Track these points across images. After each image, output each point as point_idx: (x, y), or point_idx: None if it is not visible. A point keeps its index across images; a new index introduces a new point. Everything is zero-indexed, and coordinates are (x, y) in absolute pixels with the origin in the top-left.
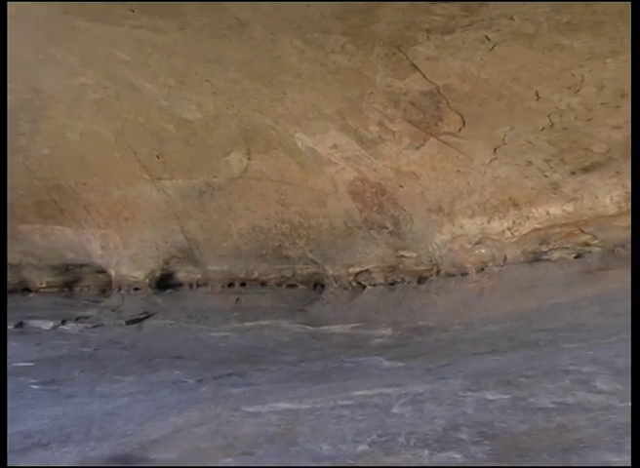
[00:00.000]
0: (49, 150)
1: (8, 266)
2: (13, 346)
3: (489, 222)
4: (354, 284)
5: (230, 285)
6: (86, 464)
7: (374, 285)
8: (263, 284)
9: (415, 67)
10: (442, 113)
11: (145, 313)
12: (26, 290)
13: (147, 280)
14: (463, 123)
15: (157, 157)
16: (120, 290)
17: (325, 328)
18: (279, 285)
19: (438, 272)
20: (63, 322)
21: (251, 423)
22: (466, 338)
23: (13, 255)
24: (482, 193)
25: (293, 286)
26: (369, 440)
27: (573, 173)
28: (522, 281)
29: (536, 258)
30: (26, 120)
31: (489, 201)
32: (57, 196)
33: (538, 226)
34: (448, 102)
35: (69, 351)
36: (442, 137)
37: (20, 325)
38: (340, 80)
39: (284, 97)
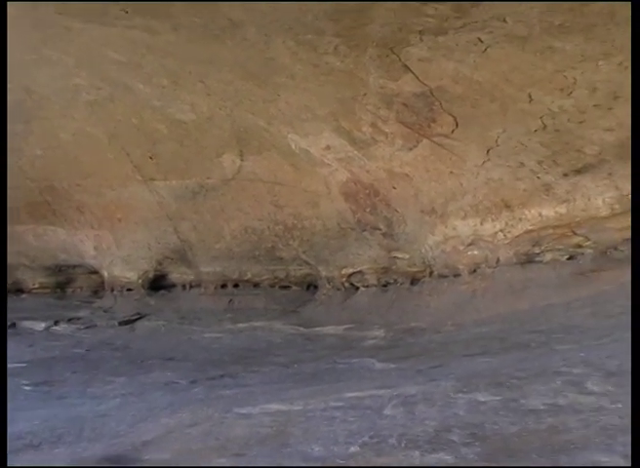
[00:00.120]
0: (42, 151)
1: None
2: None
3: (481, 224)
4: (347, 285)
5: (223, 286)
6: (78, 465)
7: (367, 286)
8: (256, 285)
9: (407, 69)
10: (435, 115)
11: (138, 314)
12: (19, 290)
13: (140, 281)
14: (456, 124)
15: (150, 158)
16: (113, 290)
17: (318, 329)
18: (272, 286)
19: (431, 273)
20: (56, 323)
21: (243, 424)
22: (458, 340)
23: None
24: (475, 195)
25: (286, 287)
26: (360, 441)
27: (565, 174)
28: (514, 282)
29: (528, 260)
30: (19, 121)
31: (482, 202)
32: (50, 197)
33: (530, 228)
34: (441, 104)
35: (62, 352)
36: (435, 139)
37: (12, 326)
38: (333, 81)
39: (277, 98)
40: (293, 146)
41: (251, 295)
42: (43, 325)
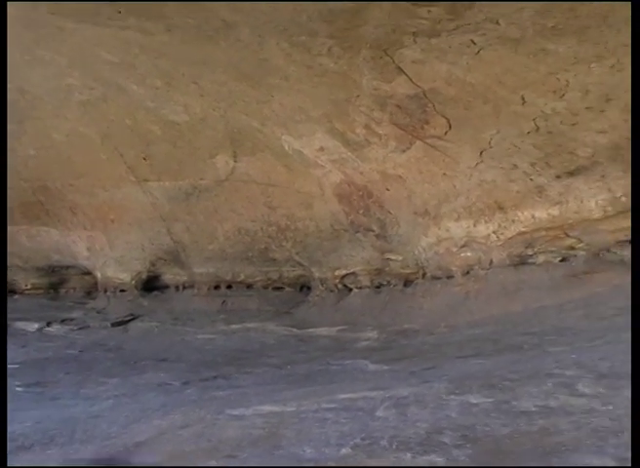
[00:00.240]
0: (35, 151)
1: None
2: None
3: (475, 226)
4: (340, 286)
5: (216, 287)
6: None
7: (360, 287)
8: (250, 286)
9: (401, 70)
10: (428, 116)
11: (131, 315)
12: (12, 291)
13: (133, 282)
14: (450, 126)
15: (144, 159)
16: (106, 291)
17: (311, 330)
18: (265, 287)
19: (424, 275)
20: (49, 324)
21: (235, 426)
22: (451, 341)
23: None
24: (468, 196)
25: (279, 288)
26: (352, 443)
27: (558, 176)
28: (507, 284)
29: (521, 262)
30: (13, 121)
31: (475, 204)
32: (42, 197)
33: (523, 230)
34: (434, 106)
35: (54, 353)
36: (428, 141)
37: None
38: (326, 83)
39: (271, 99)
40: (286, 147)
41: (244, 297)
42: (36, 326)
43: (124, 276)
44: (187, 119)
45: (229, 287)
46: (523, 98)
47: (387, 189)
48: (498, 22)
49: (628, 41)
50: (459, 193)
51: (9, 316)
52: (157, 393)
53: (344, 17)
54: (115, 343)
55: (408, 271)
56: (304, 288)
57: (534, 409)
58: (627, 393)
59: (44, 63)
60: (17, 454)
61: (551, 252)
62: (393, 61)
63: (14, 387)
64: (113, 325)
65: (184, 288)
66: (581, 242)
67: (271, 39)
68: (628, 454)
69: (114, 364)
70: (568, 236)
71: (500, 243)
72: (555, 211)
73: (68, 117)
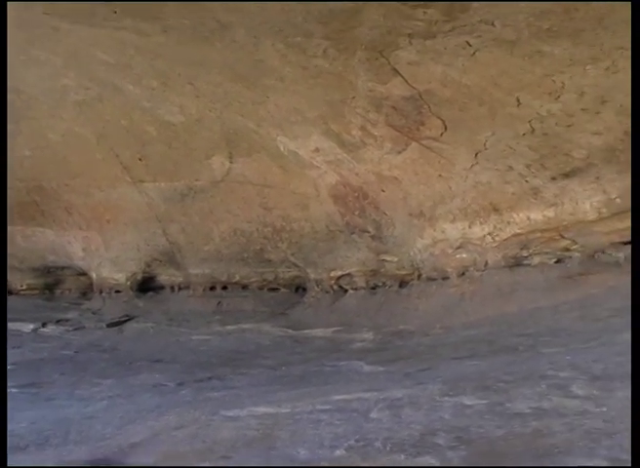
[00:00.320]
0: (30, 151)
1: None
2: None
3: (470, 227)
4: (336, 287)
5: (212, 288)
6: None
7: (355, 289)
8: (245, 287)
9: (396, 72)
10: (424, 118)
11: (127, 316)
12: (7, 291)
13: (129, 282)
14: (445, 128)
15: (139, 159)
16: (101, 292)
17: (306, 331)
18: (261, 288)
19: (419, 276)
20: (44, 324)
21: (230, 427)
22: (447, 343)
23: None
24: (463, 198)
25: (274, 289)
26: (346, 445)
27: (553, 178)
28: (503, 285)
29: (516, 263)
30: (8, 121)
31: (470, 206)
32: (38, 197)
33: (518, 231)
34: (429, 107)
35: (49, 354)
36: (424, 142)
37: None
38: (322, 84)
39: (266, 100)
40: (282, 149)
41: (239, 298)
42: (31, 326)
43: (119, 277)
44: (183, 120)
45: (225, 288)
46: (518, 100)
47: (383, 190)
48: (493, 24)
49: (623, 43)
50: (454, 195)
51: None
52: (152, 394)
53: (340, 18)
54: (110, 344)
55: (403, 272)
56: (300, 289)
57: (527, 410)
58: (621, 394)
59: (39, 64)
60: (11, 455)
61: (546, 253)
62: (389, 63)
63: (9, 388)
64: (108, 325)
65: (180, 288)
66: (576, 243)
67: (267, 40)
68: (621, 456)
69: (109, 365)
70: (563, 237)
71: (495, 244)
72: (550, 212)
73: (64, 117)
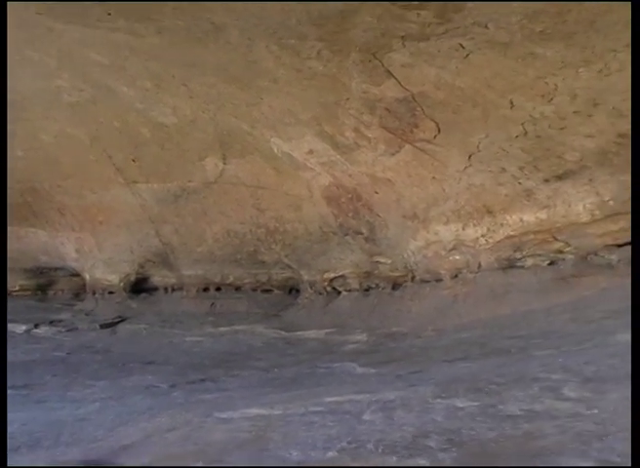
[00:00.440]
0: (23, 152)
1: None
2: None
3: (463, 229)
4: (329, 289)
5: (205, 289)
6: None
7: (349, 290)
8: (238, 288)
9: (390, 74)
10: (417, 120)
11: (120, 317)
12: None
13: (122, 284)
14: (438, 130)
15: (133, 161)
16: (94, 293)
17: (299, 333)
18: (254, 290)
19: (413, 278)
20: (37, 325)
21: (222, 429)
22: (439, 345)
23: None
24: (457, 200)
25: (268, 291)
26: (338, 446)
27: (546, 180)
28: (496, 287)
29: (510, 265)
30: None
31: (463, 208)
32: (31, 198)
33: (511, 233)
34: (423, 109)
35: (42, 355)
36: (417, 144)
37: None
38: (316, 86)
39: (260, 101)
40: (275, 150)
41: (233, 299)
42: (24, 327)
43: (112, 278)
44: (176, 121)
45: (218, 289)
46: (511, 102)
47: (376, 192)
48: (486, 27)
49: (615, 46)
50: (447, 197)
51: None
52: (144, 396)
53: (334, 20)
54: (103, 345)
55: (397, 274)
56: (293, 290)
57: (519, 412)
58: (612, 397)
59: (33, 64)
60: None
61: (539, 255)
62: (382, 65)
63: None
64: (101, 327)
65: (173, 290)
66: (569, 245)
67: (261, 42)
68: (612, 458)
69: (102, 366)
70: (556, 240)
71: (488, 246)
72: (543, 214)
73: (57, 118)
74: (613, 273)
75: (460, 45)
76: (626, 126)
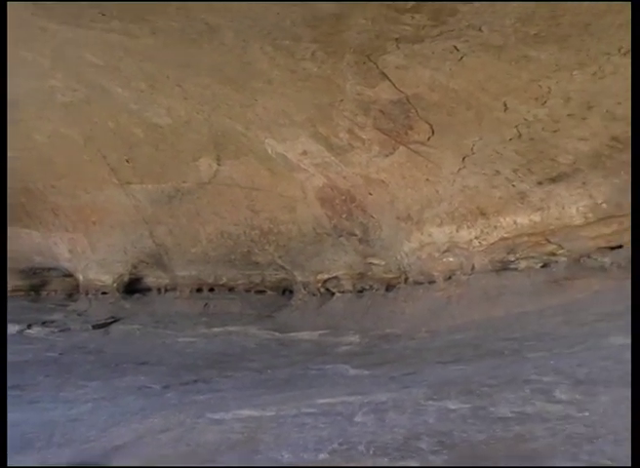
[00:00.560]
0: (17, 153)
1: None
2: None
3: (457, 231)
4: (323, 290)
5: (199, 290)
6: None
7: (342, 292)
8: (232, 289)
9: (384, 76)
10: (411, 122)
11: (113, 318)
12: None
13: (115, 284)
14: (432, 132)
15: (126, 161)
16: (87, 294)
17: (293, 334)
18: (248, 290)
19: (406, 280)
20: (29, 326)
21: (214, 430)
22: (432, 347)
23: None
24: (451, 202)
25: (261, 292)
26: (330, 448)
27: (540, 183)
28: (489, 289)
29: (503, 267)
30: None
31: (457, 210)
32: (24, 198)
33: (505, 235)
34: (417, 111)
35: (34, 356)
36: (411, 146)
37: None
38: (310, 87)
39: (254, 103)
40: (270, 151)
41: (226, 300)
42: (16, 328)
43: (106, 278)
44: (170, 122)
45: (211, 290)
46: (505, 105)
47: (370, 194)
48: (480, 29)
49: (609, 49)
50: (441, 198)
51: None
52: (137, 396)
53: (328, 22)
54: (96, 346)
55: (390, 276)
56: (287, 291)
57: (510, 415)
58: (603, 399)
59: (26, 64)
60: None
61: (533, 257)
62: (377, 67)
63: None
64: (94, 327)
65: (166, 290)
66: (563, 248)
67: (255, 43)
68: (602, 461)
69: (94, 367)
70: (549, 242)
71: (482, 248)
72: (537, 217)
73: (51, 118)
74: (606, 276)
75: (455, 47)
76: (620, 129)
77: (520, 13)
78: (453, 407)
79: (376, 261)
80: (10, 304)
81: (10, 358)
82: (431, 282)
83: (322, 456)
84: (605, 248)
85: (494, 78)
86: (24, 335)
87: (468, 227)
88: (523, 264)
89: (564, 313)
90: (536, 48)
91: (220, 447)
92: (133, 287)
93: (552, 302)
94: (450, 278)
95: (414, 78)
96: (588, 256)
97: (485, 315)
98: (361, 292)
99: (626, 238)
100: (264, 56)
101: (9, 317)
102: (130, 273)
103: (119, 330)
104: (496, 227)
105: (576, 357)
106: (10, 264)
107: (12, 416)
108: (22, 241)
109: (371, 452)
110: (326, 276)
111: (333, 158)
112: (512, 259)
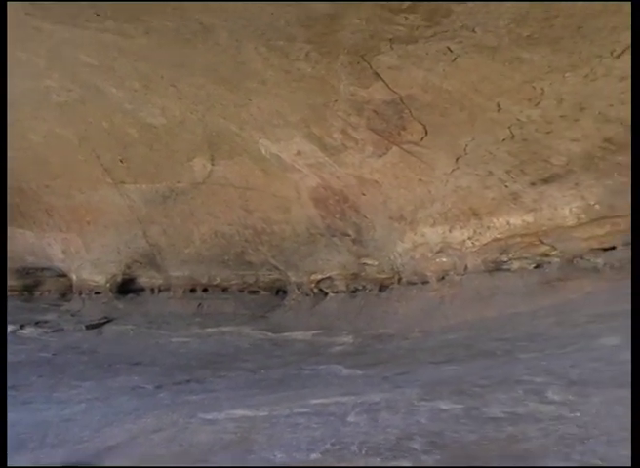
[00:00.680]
0: (12, 153)
1: None
2: None
3: (450, 231)
4: (316, 291)
5: (192, 290)
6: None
7: (336, 292)
8: (225, 289)
9: (378, 76)
10: (405, 122)
11: (106, 318)
12: None
13: (109, 284)
14: (426, 132)
15: (121, 161)
16: (81, 294)
17: (286, 334)
18: (241, 291)
19: (399, 280)
20: (22, 326)
21: (207, 430)
22: (425, 347)
23: None
24: (444, 202)
25: (255, 292)
26: (322, 448)
27: (532, 184)
28: (482, 290)
29: (496, 268)
30: None
31: (450, 210)
32: (18, 198)
33: (498, 236)
34: (411, 112)
35: (28, 356)
36: (405, 146)
37: None
38: (304, 87)
39: (249, 103)
40: (264, 151)
41: (220, 300)
42: (10, 328)
43: (99, 278)
44: (165, 122)
45: (205, 290)
46: (498, 106)
47: (363, 194)
48: (474, 30)
49: (602, 52)
50: (434, 199)
51: None
52: (130, 397)
53: (322, 22)
54: (89, 346)
55: (383, 276)
56: (280, 292)
57: (502, 415)
58: (596, 400)
59: (21, 64)
60: None
61: (526, 258)
62: (370, 67)
63: None
64: (88, 327)
65: (160, 291)
66: (555, 249)
67: (249, 43)
68: (593, 461)
69: (88, 367)
70: (542, 243)
71: (475, 249)
72: (530, 217)
73: (46, 118)
74: (598, 277)
75: (448, 48)
76: (612, 131)
77: (514, 13)
78: (445, 407)
79: (369, 262)
80: None
81: None
82: (424, 282)
83: (314, 456)
84: (598, 249)
85: (487, 79)
86: (17, 336)
87: (461, 228)
88: (516, 265)
89: (556, 314)
90: (529, 49)
91: (213, 447)
92: (126, 287)
93: (545, 303)
94: (443, 278)
95: (407, 79)
96: (581, 257)
97: (478, 315)
98: (354, 292)
99: (619, 239)
100: (259, 56)
101: None
102: (123, 273)
103: (112, 330)
104: (488, 228)
105: (568, 358)
106: None
107: None
108: (16, 241)
109: (363, 453)
110: (319, 276)
111: (326, 158)
112: (505, 260)
